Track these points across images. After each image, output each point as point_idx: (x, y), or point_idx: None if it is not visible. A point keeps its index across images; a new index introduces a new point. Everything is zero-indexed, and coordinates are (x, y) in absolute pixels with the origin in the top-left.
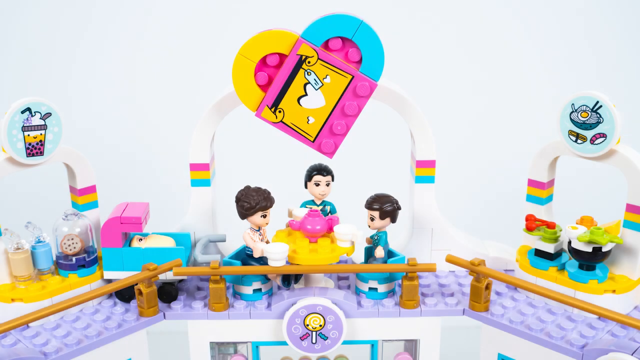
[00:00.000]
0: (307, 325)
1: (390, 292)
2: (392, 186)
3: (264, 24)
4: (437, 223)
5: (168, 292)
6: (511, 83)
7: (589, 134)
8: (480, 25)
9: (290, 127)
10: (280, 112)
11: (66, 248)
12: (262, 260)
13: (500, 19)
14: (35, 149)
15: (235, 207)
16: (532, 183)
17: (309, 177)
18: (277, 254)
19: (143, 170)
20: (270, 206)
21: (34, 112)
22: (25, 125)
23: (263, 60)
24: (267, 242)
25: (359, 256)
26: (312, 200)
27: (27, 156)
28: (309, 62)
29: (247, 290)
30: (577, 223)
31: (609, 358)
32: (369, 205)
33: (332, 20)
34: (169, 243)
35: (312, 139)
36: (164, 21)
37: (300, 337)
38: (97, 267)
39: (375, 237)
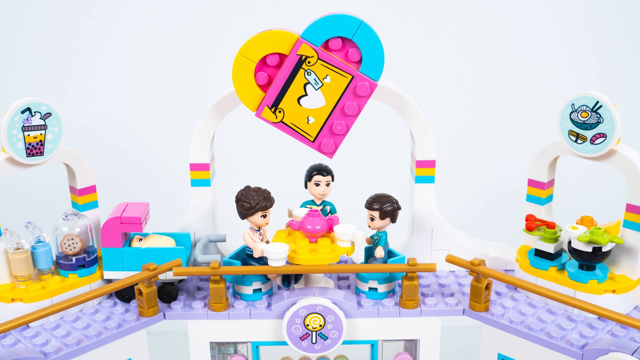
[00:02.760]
0: (307, 325)
1: (390, 292)
2: (392, 186)
3: (264, 24)
4: (437, 223)
5: (168, 292)
6: (511, 83)
7: (589, 134)
8: (480, 25)
9: (290, 127)
10: (280, 112)
11: (66, 248)
12: (262, 260)
13: (500, 19)
14: (35, 149)
15: (235, 207)
16: (532, 183)
17: (309, 177)
18: (277, 254)
19: (143, 170)
20: (270, 206)
21: (34, 112)
22: (25, 125)
23: (263, 60)
24: (267, 242)
25: (359, 256)
26: (312, 200)
27: (27, 156)
28: (309, 62)
29: (247, 290)
30: (577, 223)
31: (609, 358)
32: (369, 205)
33: (332, 20)
34: (169, 243)
35: (312, 139)
36: (164, 21)
37: (300, 337)
38: (97, 267)
39: (375, 237)
